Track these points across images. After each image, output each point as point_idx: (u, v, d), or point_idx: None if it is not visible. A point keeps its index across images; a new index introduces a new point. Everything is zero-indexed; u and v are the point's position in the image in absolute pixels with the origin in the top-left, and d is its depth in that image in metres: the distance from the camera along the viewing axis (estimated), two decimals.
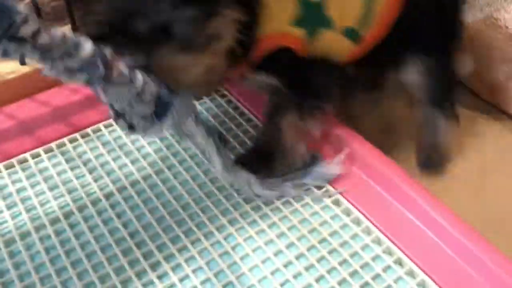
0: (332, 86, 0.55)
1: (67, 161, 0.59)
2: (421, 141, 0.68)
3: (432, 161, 0.67)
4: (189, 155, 0.59)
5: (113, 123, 0.62)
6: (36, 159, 0.59)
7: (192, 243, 0.49)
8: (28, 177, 0.57)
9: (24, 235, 0.50)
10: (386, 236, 0.50)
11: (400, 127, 0.73)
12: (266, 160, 0.54)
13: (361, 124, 0.64)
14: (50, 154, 0.60)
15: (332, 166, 0.54)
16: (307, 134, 0.54)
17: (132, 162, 0.59)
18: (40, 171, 0.58)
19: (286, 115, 0.53)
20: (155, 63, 0.42)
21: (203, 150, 0.52)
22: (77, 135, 0.62)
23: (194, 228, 0.51)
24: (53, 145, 0.61)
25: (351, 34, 0.53)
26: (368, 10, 0.53)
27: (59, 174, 0.57)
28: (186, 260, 0.48)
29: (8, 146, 0.60)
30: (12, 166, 0.58)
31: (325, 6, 0.50)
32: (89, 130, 0.63)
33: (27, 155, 0.59)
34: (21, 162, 0.59)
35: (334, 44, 0.53)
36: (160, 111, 0.44)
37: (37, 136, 0.61)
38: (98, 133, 0.63)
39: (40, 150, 0.60)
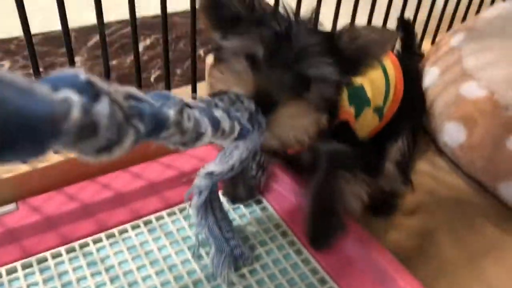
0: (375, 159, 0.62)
1: (88, 264, 0.56)
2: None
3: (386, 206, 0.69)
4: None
5: (141, 224, 0.60)
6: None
7: None
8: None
9: None
10: None
11: None
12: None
13: None
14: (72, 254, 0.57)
15: None
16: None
17: (157, 273, 0.55)
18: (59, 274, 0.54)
19: (344, 177, 0.57)
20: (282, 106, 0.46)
21: None
22: (102, 235, 0.59)
23: None
24: (76, 245, 0.58)
25: (379, 111, 0.62)
26: (387, 90, 0.62)
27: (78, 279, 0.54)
28: None
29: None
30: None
31: (364, 88, 0.59)
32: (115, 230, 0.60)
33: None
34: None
35: (369, 119, 0.61)
36: None
37: (61, 233, 0.58)
38: (124, 234, 0.60)
39: (61, 248, 0.57)
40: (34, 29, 1.08)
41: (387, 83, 0.62)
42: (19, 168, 0.61)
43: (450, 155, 0.77)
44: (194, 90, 0.71)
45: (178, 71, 1.00)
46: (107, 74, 0.63)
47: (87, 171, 0.63)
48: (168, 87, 0.68)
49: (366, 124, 0.61)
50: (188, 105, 0.39)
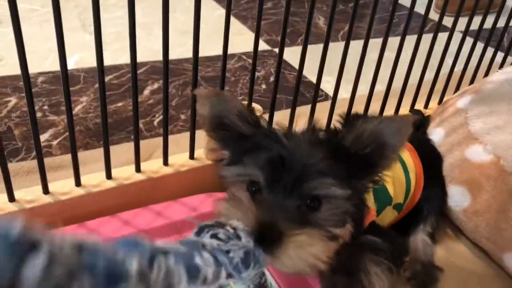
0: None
1: None
2: (411, 259, 0.68)
3: (424, 277, 0.66)
4: None
5: None
6: None
7: None
8: None
9: None
10: None
11: None
12: None
13: None
14: None
15: None
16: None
17: None
18: None
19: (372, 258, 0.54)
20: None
21: None
22: None
23: None
24: None
25: (398, 207, 0.65)
26: (408, 187, 0.65)
27: None
28: None
29: None
30: None
31: (387, 188, 0.61)
32: None
33: None
34: None
35: (389, 215, 0.64)
36: None
37: None
38: None
39: None
40: (45, 68, 1.11)
41: (406, 175, 0.64)
42: (7, 207, 0.60)
43: (454, 220, 0.74)
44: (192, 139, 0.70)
45: (183, 117, 1.00)
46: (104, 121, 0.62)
47: (76, 214, 0.62)
48: (166, 133, 0.67)
49: (385, 219, 0.63)
50: (164, 251, 0.35)
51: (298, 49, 0.74)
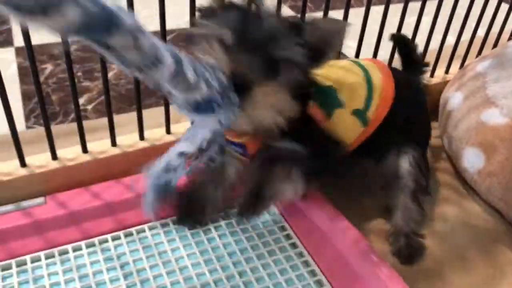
0: (335, 165, 0.61)
1: (105, 259, 0.59)
2: (395, 230, 0.69)
3: (409, 250, 0.67)
4: (226, 275, 0.58)
5: (158, 225, 0.63)
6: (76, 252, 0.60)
7: None
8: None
9: None
10: None
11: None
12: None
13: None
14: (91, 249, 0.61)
15: None
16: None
17: (168, 273, 0.58)
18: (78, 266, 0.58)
19: (283, 167, 0.56)
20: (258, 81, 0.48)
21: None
22: (120, 233, 0.62)
23: None
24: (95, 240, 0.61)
25: (359, 114, 0.62)
26: (369, 95, 0.63)
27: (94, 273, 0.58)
28: None
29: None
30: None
31: (337, 91, 0.61)
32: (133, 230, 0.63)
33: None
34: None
35: (347, 121, 0.61)
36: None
37: (83, 228, 0.62)
38: (141, 234, 0.63)
39: (82, 243, 0.61)
40: None
41: (369, 87, 0.63)
42: (50, 164, 0.66)
43: (469, 181, 0.77)
44: None
45: None
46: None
47: (113, 172, 0.67)
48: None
49: (345, 126, 0.61)
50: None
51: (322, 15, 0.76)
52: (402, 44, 0.78)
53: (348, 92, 0.61)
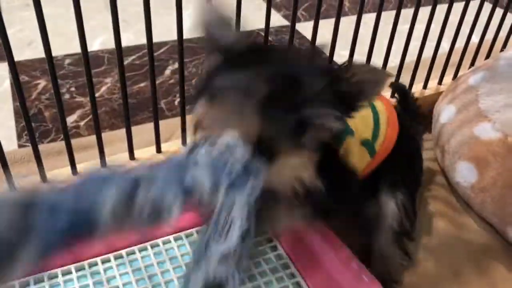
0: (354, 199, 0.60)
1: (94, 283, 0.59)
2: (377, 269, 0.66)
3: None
4: None
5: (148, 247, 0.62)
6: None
7: None
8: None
9: None
10: None
11: None
12: None
13: None
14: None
15: None
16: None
17: None
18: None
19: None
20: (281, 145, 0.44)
21: None
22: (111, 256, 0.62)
23: None
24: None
25: (368, 144, 0.61)
26: (377, 128, 0.62)
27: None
28: None
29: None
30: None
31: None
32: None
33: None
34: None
35: (356, 151, 0.60)
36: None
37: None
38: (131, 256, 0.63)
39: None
40: (72, 50, 1.15)
41: (376, 118, 0.62)
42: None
43: (462, 195, 0.77)
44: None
45: None
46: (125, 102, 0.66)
47: None
48: (184, 115, 0.71)
49: (355, 156, 0.59)
50: (149, 177, 0.33)
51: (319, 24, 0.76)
52: (400, 92, 0.80)
53: (357, 121, 0.59)
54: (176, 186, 0.34)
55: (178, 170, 0.36)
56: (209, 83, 0.48)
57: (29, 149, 0.86)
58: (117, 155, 0.71)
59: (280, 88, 0.44)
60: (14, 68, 0.56)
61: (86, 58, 0.60)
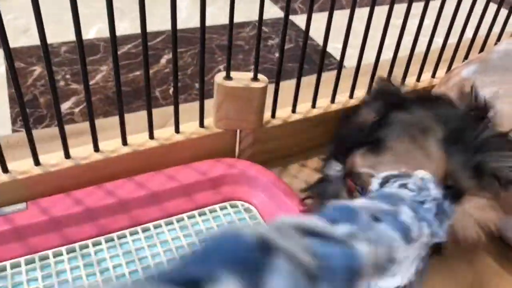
0: None
1: (85, 265, 0.59)
2: None
3: None
4: None
5: (139, 231, 0.63)
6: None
7: None
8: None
9: None
10: None
11: None
12: None
13: None
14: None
15: None
16: None
17: None
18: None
19: None
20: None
21: None
22: (101, 239, 0.63)
23: None
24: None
25: None
26: None
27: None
28: None
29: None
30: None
31: None
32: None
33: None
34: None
35: None
36: None
37: (64, 234, 0.62)
38: (122, 240, 0.63)
39: (63, 248, 0.61)
40: (68, 37, 1.15)
41: None
42: (32, 170, 0.66)
43: None
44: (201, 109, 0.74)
45: (197, 85, 1.04)
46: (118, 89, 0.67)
47: (95, 177, 0.68)
48: (177, 103, 0.72)
49: None
50: (374, 216, 0.29)
51: (315, 17, 0.77)
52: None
53: None
54: (395, 226, 0.30)
55: (390, 204, 0.32)
56: (374, 132, 0.46)
57: (23, 134, 0.87)
58: (111, 140, 0.72)
59: (458, 129, 0.44)
60: (10, 54, 0.56)
61: (80, 45, 0.60)
